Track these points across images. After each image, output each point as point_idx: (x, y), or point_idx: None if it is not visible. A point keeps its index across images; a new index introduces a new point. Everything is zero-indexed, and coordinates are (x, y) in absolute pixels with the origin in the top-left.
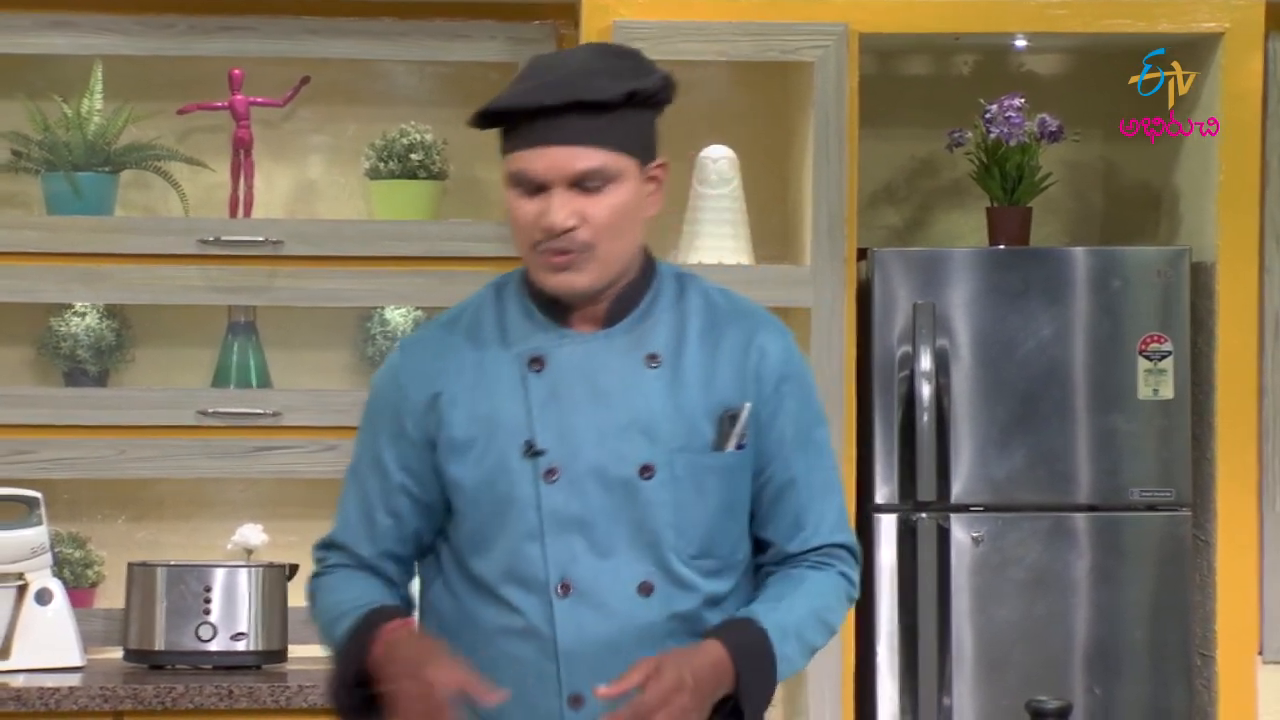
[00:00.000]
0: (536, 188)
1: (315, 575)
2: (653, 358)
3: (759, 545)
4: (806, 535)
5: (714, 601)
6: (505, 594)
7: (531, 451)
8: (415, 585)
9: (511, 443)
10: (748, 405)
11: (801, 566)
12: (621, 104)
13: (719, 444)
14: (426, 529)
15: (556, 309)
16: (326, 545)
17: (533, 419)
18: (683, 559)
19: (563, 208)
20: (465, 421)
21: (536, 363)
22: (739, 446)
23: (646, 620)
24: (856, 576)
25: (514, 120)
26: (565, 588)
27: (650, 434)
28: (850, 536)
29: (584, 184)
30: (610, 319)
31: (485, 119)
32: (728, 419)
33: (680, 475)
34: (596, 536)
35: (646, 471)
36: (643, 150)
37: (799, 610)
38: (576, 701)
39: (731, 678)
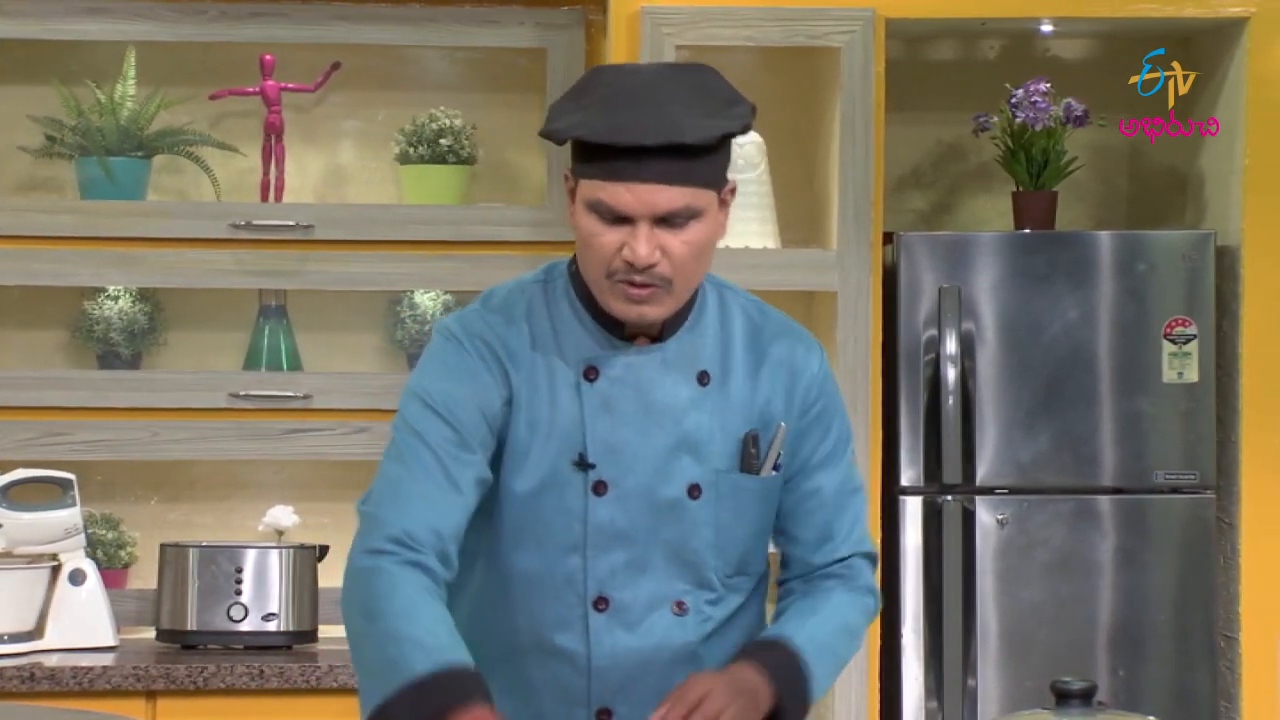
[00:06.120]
0: (618, 218)
1: (374, 568)
2: (704, 375)
3: (782, 557)
4: (833, 546)
5: (736, 613)
6: (540, 605)
7: (583, 464)
8: None
9: (564, 453)
10: (782, 426)
11: (825, 581)
12: (715, 147)
13: (748, 467)
14: (476, 503)
15: (609, 318)
16: (386, 535)
17: (585, 430)
18: (720, 578)
19: (647, 242)
20: (524, 426)
21: (591, 372)
22: (775, 468)
23: (680, 639)
24: (877, 586)
25: (600, 148)
26: (603, 602)
27: (698, 454)
28: (870, 545)
29: (669, 220)
30: (663, 332)
31: (566, 140)
32: (751, 440)
33: (724, 495)
34: (636, 553)
35: (694, 491)
36: (723, 181)
37: (828, 626)
38: (604, 715)
39: (769, 701)
